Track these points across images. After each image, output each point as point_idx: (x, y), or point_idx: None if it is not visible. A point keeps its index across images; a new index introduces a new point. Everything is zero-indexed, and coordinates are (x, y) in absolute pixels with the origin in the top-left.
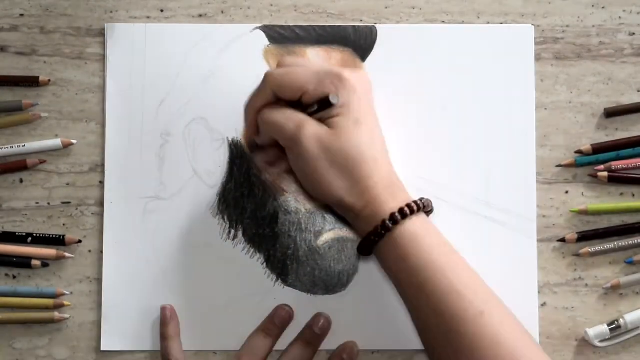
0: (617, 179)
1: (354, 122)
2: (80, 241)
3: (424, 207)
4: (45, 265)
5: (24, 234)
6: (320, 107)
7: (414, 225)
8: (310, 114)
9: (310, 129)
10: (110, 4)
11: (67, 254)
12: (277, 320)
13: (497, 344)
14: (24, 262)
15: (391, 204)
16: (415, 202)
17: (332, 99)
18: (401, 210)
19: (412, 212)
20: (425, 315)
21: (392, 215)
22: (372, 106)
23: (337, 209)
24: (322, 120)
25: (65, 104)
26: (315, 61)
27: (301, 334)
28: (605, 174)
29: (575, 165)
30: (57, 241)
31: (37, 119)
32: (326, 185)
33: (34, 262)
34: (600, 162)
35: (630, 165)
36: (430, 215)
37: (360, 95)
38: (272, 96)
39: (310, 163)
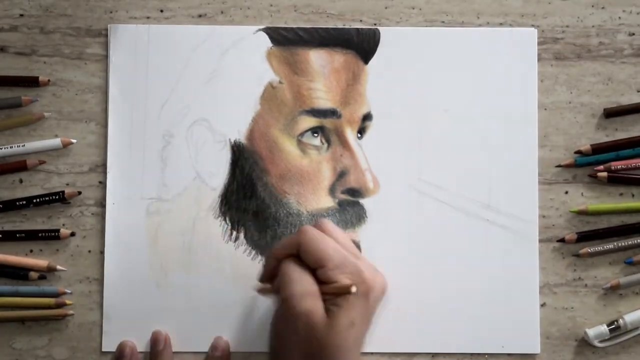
0: (616, 179)
1: (349, 323)
2: (73, 234)
3: None
4: (42, 277)
5: (18, 231)
6: (331, 291)
7: None
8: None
9: (310, 304)
10: (110, 4)
11: (59, 267)
12: (218, 352)
13: None
14: (21, 274)
15: None
16: None
17: (353, 289)
18: None
19: None
20: None
21: None
22: (374, 312)
23: None
24: (326, 297)
25: (65, 104)
26: (345, 241)
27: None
28: (605, 174)
29: (575, 165)
30: (52, 236)
31: (41, 118)
32: (285, 354)
33: (32, 274)
34: (599, 163)
35: (629, 166)
36: None
37: (369, 301)
38: (296, 250)
39: (288, 332)
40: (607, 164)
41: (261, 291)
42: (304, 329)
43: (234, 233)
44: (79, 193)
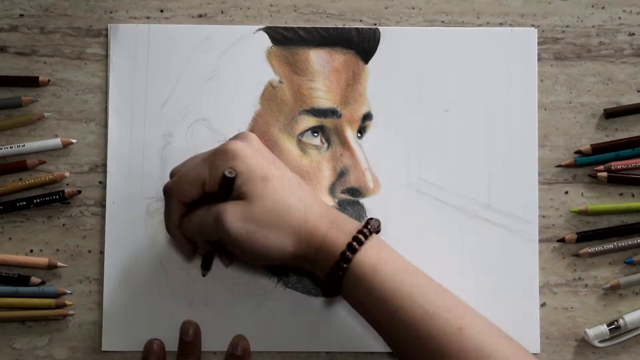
0: (616, 179)
1: (261, 180)
2: (80, 192)
3: (374, 229)
4: (42, 283)
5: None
6: (224, 189)
7: (372, 254)
8: (222, 200)
9: (228, 211)
10: (110, 4)
11: (59, 263)
12: (188, 337)
13: (482, 356)
14: (21, 279)
15: (342, 238)
16: (365, 226)
17: (228, 174)
18: (356, 239)
19: (366, 237)
20: (403, 342)
21: (349, 246)
22: (271, 157)
23: (294, 265)
24: (234, 198)
25: (65, 104)
26: (196, 156)
27: (178, 347)
28: (605, 174)
29: (575, 165)
30: (57, 199)
31: (41, 118)
32: (272, 249)
33: (33, 280)
34: (599, 163)
35: (629, 166)
36: (381, 234)
37: (252, 154)
38: (180, 206)
39: (246, 240)
40: (607, 164)
41: (203, 271)
42: (246, 225)
43: None
44: (79, 192)
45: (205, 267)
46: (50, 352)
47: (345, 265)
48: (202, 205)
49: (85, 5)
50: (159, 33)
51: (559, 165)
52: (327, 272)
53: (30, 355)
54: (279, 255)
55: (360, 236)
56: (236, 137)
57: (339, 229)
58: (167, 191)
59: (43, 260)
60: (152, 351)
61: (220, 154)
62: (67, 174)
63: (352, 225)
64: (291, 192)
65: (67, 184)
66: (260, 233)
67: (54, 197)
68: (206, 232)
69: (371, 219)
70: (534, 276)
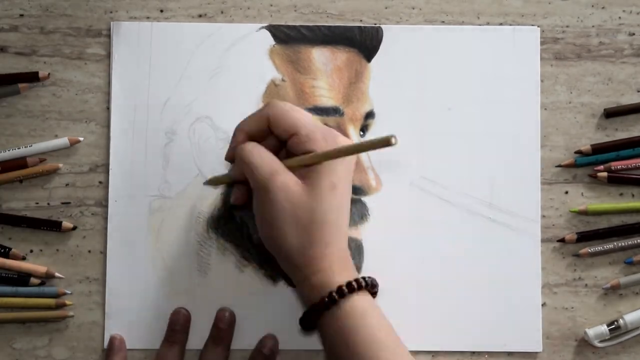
0: (616, 179)
1: (330, 185)
2: (75, 227)
3: (371, 286)
4: (42, 284)
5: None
6: (374, 144)
7: (362, 300)
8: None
9: (283, 179)
10: (110, 4)
11: (57, 274)
12: (177, 326)
13: None
14: (21, 279)
15: (341, 277)
16: (365, 278)
17: (393, 141)
18: (349, 285)
19: (361, 287)
20: None
21: (340, 288)
22: (351, 173)
23: (284, 265)
24: (300, 174)
25: (65, 104)
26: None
27: (210, 333)
28: (605, 174)
29: (575, 165)
30: (54, 225)
31: (55, 170)
32: (282, 239)
33: (33, 280)
34: (600, 163)
35: (630, 166)
36: (376, 297)
37: (345, 160)
38: (265, 124)
39: (274, 213)
40: (607, 164)
41: (211, 182)
42: (286, 203)
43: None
44: (74, 228)
45: (212, 182)
46: (50, 352)
47: (330, 305)
48: (268, 151)
49: (85, 5)
50: (162, 31)
51: (559, 165)
52: (312, 302)
53: (30, 355)
54: (281, 247)
55: (355, 284)
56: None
57: (344, 268)
58: (271, 106)
59: (41, 268)
60: (177, 320)
61: (328, 135)
62: (60, 165)
63: (353, 272)
64: (338, 214)
65: (67, 184)
66: (288, 220)
67: (51, 227)
68: (252, 173)
69: (371, 278)
70: (536, 274)
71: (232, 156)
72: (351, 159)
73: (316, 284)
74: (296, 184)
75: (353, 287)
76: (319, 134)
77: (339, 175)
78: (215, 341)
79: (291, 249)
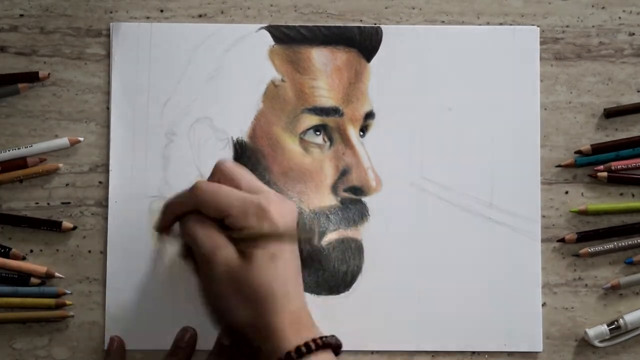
0: (616, 179)
1: (269, 257)
2: (75, 227)
3: (326, 345)
4: (43, 283)
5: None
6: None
7: None
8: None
9: (224, 254)
10: (110, 4)
11: (57, 274)
12: (183, 344)
13: None
14: (21, 279)
15: (293, 341)
16: (315, 340)
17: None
18: (298, 350)
19: (311, 350)
20: None
21: (289, 355)
22: (294, 240)
23: (233, 337)
24: (240, 247)
25: (65, 104)
26: (249, 182)
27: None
28: (605, 174)
29: (575, 165)
30: (54, 225)
31: (55, 170)
32: (228, 312)
33: (33, 280)
34: (600, 163)
35: (630, 166)
36: (340, 355)
37: (283, 232)
38: (194, 208)
39: (217, 287)
40: (607, 164)
41: (157, 231)
42: (228, 278)
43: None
44: (74, 228)
45: (183, 256)
46: (50, 352)
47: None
48: (212, 223)
49: (85, 5)
50: (161, 31)
51: (559, 165)
52: None
53: (30, 355)
54: (231, 319)
55: (312, 344)
56: (281, 202)
57: (297, 331)
58: (195, 191)
59: (41, 268)
60: (183, 338)
61: (258, 210)
62: (60, 165)
63: (310, 333)
64: (284, 282)
65: (67, 184)
66: (232, 293)
67: (51, 227)
68: (196, 246)
69: (333, 336)
70: (536, 274)
71: (162, 230)
72: (289, 227)
73: (268, 350)
74: (237, 258)
75: (302, 351)
76: (250, 211)
77: (277, 245)
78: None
79: (241, 320)
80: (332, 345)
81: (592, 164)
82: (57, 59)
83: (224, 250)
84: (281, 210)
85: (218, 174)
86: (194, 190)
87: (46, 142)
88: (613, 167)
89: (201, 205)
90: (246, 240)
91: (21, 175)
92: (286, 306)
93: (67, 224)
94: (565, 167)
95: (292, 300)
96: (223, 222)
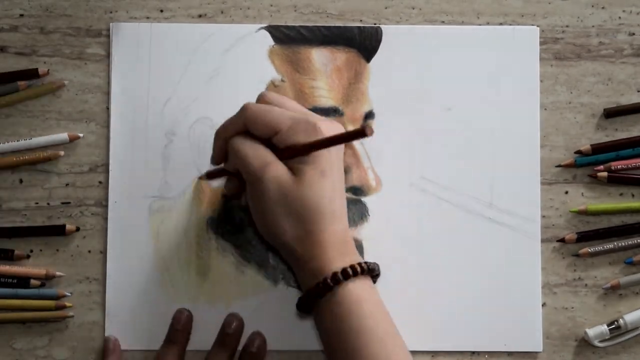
0: (616, 179)
1: (319, 173)
2: (78, 229)
3: (370, 271)
4: (42, 285)
5: (23, 227)
6: (350, 135)
7: (358, 288)
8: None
9: (274, 170)
10: (110, 4)
11: (57, 273)
12: (179, 326)
13: None
14: (21, 281)
15: (337, 263)
16: (361, 264)
17: (368, 132)
18: (344, 271)
19: (356, 273)
20: None
21: (335, 275)
22: (340, 159)
23: (283, 254)
24: (289, 165)
25: (65, 104)
26: (294, 106)
27: (217, 337)
28: (605, 174)
29: (575, 165)
30: (57, 231)
31: (61, 87)
32: (278, 229)
33: (33, 282)
34: (599, 163)
35: (630, 166)
36: (377, 281)
37: (331, 147)
38: (244, 128)
39: (267, 204)
40: (607, 164)
41: (206, 177)
42: (278, 194)
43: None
44: (78, 229)
45: (209, 176)
46: (50, 352)
47: (324, 291)
48: (259, 142)
49: (85, 5)
50: (161, 32)
51: (559, 165)
52: (307, 287)
53: (30, 355)
54: (278, 237)
55: (350, 270)
56: (329, 121)
57: (341, 254)
58: (245, 111)
59: (41, 271)
60: (179, 320)
61: (308, 125)
62: (61, 153)
63: (353, 257)
64: (331, 200)
65: (67, 184)
66: (282, 210)
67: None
68: (244, 165)
69: (375, 263)
70: (536, 274)
71: (219, 159)
72: (338, 146)
73: (312, 270)
74: (287, 174)
75: (348, 273)
76: (300, 127)
77: (327, 162)
78: (220, 345)
79: (286, 237)
80: (369, 271)
81: (592, 164)
82: (57, 59)
83: (274, 167)
84: (329, 126)
85: (262, 101)
86: (243, 110)
87: (45, 136)
88: (613, 167)
89: (251, 123)
90: (295, 157)
91: (23, 161)
92: (333, 225)
93: (70, 227)
94: (565, 167)
95: (339, 221)
96: (270, 141)
